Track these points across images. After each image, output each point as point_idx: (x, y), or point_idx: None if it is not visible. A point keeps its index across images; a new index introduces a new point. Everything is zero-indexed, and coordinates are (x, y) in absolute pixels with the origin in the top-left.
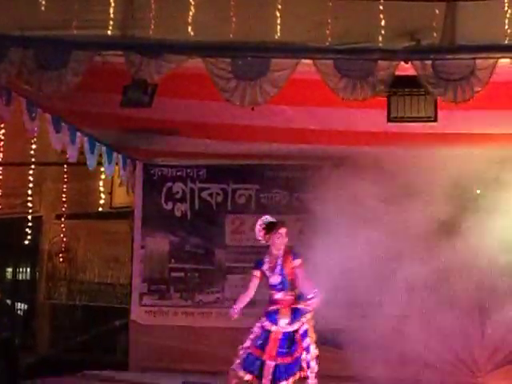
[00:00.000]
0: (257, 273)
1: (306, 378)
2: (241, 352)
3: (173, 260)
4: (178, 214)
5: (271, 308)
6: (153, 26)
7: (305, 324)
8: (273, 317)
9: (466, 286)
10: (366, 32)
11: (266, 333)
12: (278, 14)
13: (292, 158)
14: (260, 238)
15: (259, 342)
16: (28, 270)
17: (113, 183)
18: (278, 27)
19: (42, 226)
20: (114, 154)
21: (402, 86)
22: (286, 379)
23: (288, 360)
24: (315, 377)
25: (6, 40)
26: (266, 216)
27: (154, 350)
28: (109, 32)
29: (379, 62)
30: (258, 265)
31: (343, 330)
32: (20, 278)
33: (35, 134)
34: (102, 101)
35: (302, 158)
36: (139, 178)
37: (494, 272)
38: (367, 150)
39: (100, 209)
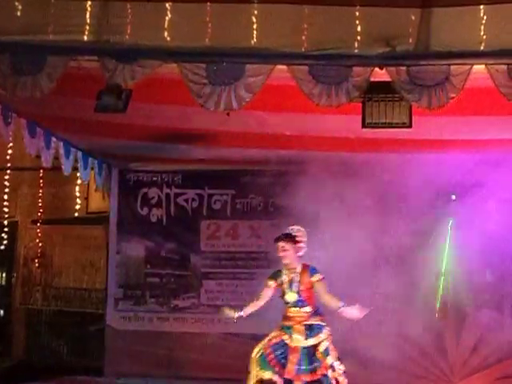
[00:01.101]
0: (272, 283)
1: None
2: (257, 356)
3: (148, 265)
4: (153, 219)
5: (285, 324)
6: (128, 31)
7: (324, 341)
8: (288, 331)
9: (442, 291)
10: (341, 38)
11: (285, 346)
12: (254, 20)
13: (268, 163)
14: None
15: (279, 352)
16: (3, 275)
17: (89, 188)
18: (254, 33)
19: (18, 231)
20: (90, 159)
21: (376, 91)
22: None
23: (313, 377)
24: None
25: None
26: (293, 227)
27: (129, 355)
28: (84, 37)
29: (354, 67)
30: (275, 276)
31: None
32: None
33: (10, 139)
34: (76, 106)
35: (278, 163)
36: (115, 183)
37: (471, 276)
38: (342, 156)
39: (76, 214)
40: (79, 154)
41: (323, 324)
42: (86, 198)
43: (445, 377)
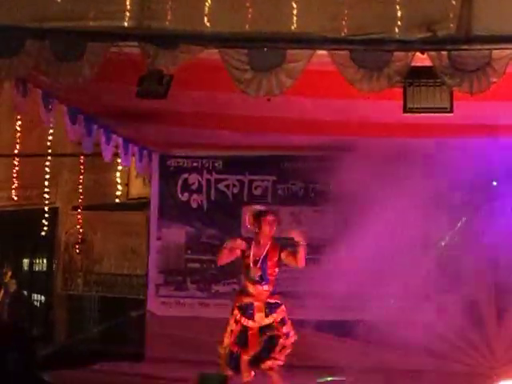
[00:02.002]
0: (242, 243)
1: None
2: (222, 351)
3: (189, 251)
4: (194, 205)
5: (244, 301)
6: (169, 17)
7: (279, 315)
8: (248, 312)
9: (483, 277)
10: (381, 23)
11: (244, 328)
12: (294, 5)
13: (308, 149)
14: (248, 226)
15: (237, 338)
16: (44, 261)
17: (129, 174)
18: (294, 18)
19: (59, 218)
20: (130, 146)
21: (418, 76)
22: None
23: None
24: (283, 360)
25: (22, 32)
26: (256, 206)
27: (170, 341)
28: (125, 23)
29: (395, 53)
30: (246, 240)
31: (361, 321)
32: (37, 269)
33: (51, 126)
34: (117, 92)
35: (319, 149)
36: (155, 169)
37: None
38: (383, 141)
39: (116, 200)
40: (120, 140)
41: (280, 302)
42: (127, 184)
43: (487, 362)
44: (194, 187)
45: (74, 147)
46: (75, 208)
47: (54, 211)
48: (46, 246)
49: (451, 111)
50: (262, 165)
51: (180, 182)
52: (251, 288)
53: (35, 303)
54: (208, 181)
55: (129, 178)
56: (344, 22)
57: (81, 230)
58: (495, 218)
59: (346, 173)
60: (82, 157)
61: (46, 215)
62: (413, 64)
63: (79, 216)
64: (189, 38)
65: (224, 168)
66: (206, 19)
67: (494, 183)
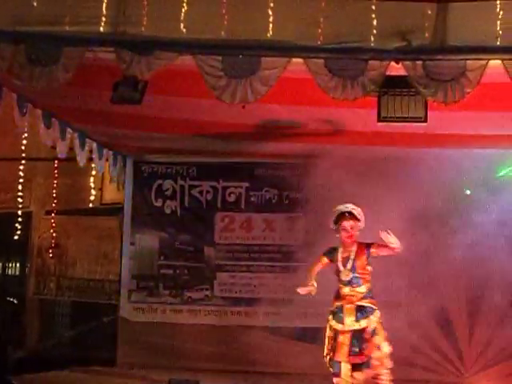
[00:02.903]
0: (325, 259)
1: (378, 375)
2: (326, 360)
3: (162, 257)
4: (167, 211)
5: (336, 304)
6: (145, 23)
7: (373, 322)
8: (338, 315)
9: (455, 285)
10: (357, 32)
11: (336, 332)
12: (271, 13)
13: (282, 156)
14: (331, 227)
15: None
16: (17, 265)
17: (103, 179)
18: (270, 26)
19: (32, 222)
20: (105, 151)
21: (392, 86)
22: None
23: (361, 359)
24: (389, 373)
25: None
26: (347, 204)
27: (142, 346)
28: (101, 28)
29: (370, 61)
30: (330, 252)
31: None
32: (9, 273)
33: (26, 130)
34: (92, 97)
35: (293, 156)
36: (129, 174)
37: (485, 269)
38: (357, 150)
39: (90, 205)
40: (94, 145)
41: (375, 308)
42: (101, 189)
43: (457, 371)
44: (167, 193)
45: (49, 151)
46: (49, 212)
47: (27, 215)
48: (18, 250)
49: (425, 121)
50: (236, 171)
51: (154, 188)
52: (342, 290)
53: (7, 307)
54: (182, 187)
55: (103, 182)
56: (320, 30)
57: (54, 235)
58: (467, 228)
59: (319, 180)
60: (56, 161)
61: (20, 219)
62: (388, 73)
63: (53, 220)
64: (164, 44)
65: (198, 174)
66: (182, 25)
67: (468, 193)
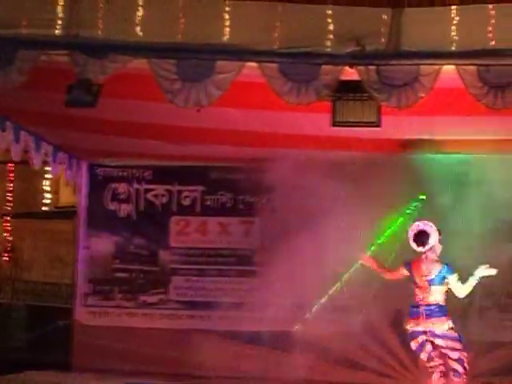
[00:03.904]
0: (404, 271)
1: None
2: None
3: (117, 261)
4: (122, 214)
5: (414, 310)
6: (100, 26)
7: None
8: (414, 316)
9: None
10: (312, 36)
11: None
12: (227, 17)
13: (238, 160)
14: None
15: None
16: None
17: (59, 183)
18: (227, 29)
19: None
20: (60, 154)
21: (346, 90)
22: None
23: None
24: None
25: None
26: (418, 223)
27: (98, 350)
28: (56, 31)
29: (324, 66)
30: (406, 265)
31: (288, 332)
32: None
33: None
34: (47, 100)
35: (248, 160)
36: (84, 177)
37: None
38: (312, 154)
39: (45, 208)
40: (49, 148)
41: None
42: (56, 193)
43: (411, 375)
44: (122, 196)
45: (3, 154)
46: (4, 215)
47: None
48: None
49: (379, 125)
50: (191, 175)
51: (109, 191)
52: (419, 293)
53: None
54: (137, 190)
55: (58, 186)
56: (276, 35)
57: (9, 238)
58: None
59: (274, 184)
60: (10, 164)
61: None
62: (342, 78)
63: (8, 224)
64: (118, 47)
65: (153, 178)
66: (138, 29)
67: (423, 198)
